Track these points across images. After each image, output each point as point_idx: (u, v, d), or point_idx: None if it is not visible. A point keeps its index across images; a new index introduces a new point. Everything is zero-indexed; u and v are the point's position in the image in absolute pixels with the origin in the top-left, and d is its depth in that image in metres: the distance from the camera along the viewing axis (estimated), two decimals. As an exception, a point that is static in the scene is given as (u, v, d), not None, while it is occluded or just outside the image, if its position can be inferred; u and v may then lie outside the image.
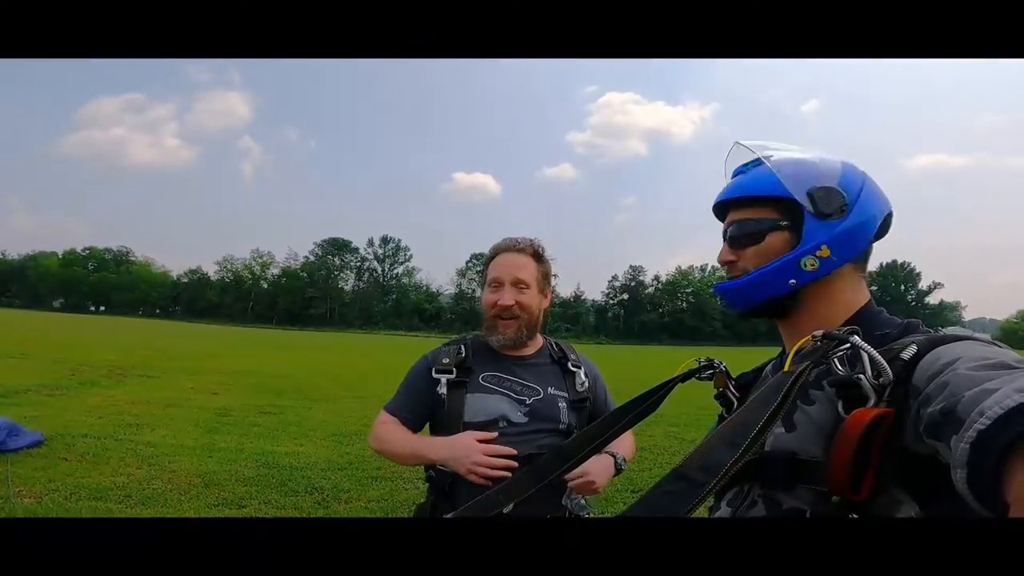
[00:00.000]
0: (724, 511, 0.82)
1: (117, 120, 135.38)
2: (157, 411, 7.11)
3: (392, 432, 1.54)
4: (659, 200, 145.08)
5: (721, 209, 0.90)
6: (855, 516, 0.63)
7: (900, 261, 71.92)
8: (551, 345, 1.64)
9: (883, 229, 0.83)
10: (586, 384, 1.59)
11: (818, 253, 0.79)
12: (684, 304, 77.89)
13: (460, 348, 1.55)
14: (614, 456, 1.52)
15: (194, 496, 4.02)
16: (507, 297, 1.50)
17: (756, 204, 0.84)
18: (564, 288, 79.36)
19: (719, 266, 0.90)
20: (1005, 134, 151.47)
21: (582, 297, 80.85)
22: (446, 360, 1.52)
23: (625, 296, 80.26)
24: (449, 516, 0.92)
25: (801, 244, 0.79)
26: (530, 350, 1.59)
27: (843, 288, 0.81)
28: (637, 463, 5.00)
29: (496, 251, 1.59)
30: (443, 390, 1.49)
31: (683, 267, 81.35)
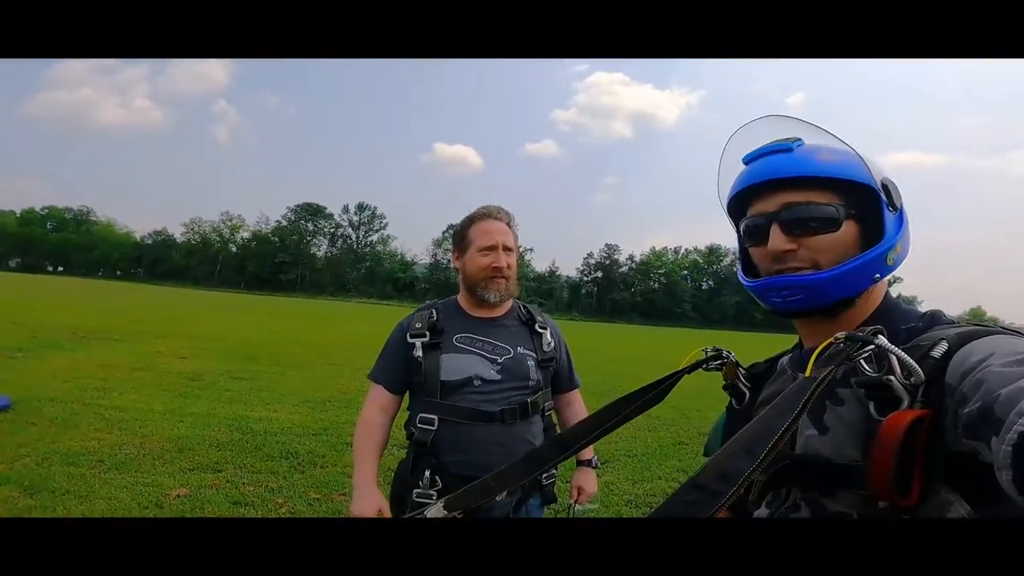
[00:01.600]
0: (763, 511, 0.79)
1: (85, 81, 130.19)
2: (124, 375, 6.99)
3: (363, 433, 1.67)
4: (639, 182, 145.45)
5: (759, 190, 0.78)
6: (907, 517, 0.61)
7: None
8: (519, 308, 1.77)
9: None
10: (552, 344, 1.73)
11: (896, 248, 0.75)
12: (656, 285, 79.24)
13: (432, 312, 1.69)
14: (589, 462, 1.80)
15: (168, 461, 4.03)
16: (502, 259, 1.64)
17: (819, 187, 0.74)
18: (539, 263, 79.71)
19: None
20: (981, 135, 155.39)
21: (557, 273, 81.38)
22: (419, 325, 1.65)
23: (599, 274, 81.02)
24: (442, 501, 0.91)
25: (886, 237, 0.74)
26: (501, 311, 1.72)
27: (881, 286, 0.77)
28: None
29: (479, 217, 1.70)
30: (419, 353, 1.62)
31: (657, 248, 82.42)
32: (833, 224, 0.73)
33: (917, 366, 0.61)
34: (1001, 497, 0.51)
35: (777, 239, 0.75)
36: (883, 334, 0.63)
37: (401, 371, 1.67)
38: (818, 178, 0.74)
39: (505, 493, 0.97)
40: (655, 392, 0.89)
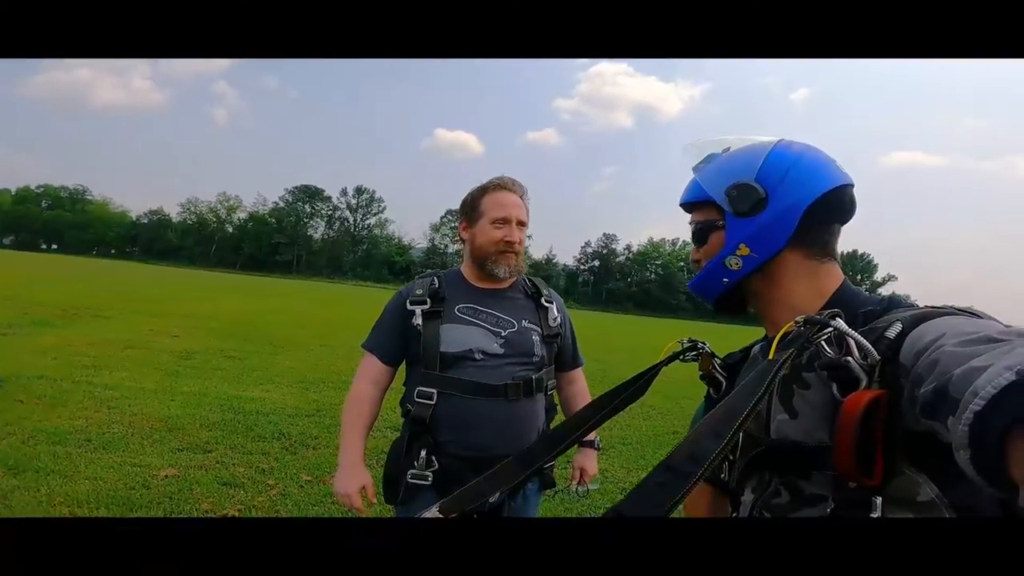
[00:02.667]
0: (748, 496, 0.82)
1: (83, 61, 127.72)
2: (115, 353, 6.90)
3: (352, 407, 1.60)
4: (639, 173, 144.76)
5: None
6: (878, 498, 0.63)
7: (860, 252, 75.03)
8: (525, 280, 1.69)
9: (833, 209, 0.80)
10: (558, 320, 1.66)
11: (738, 252, 0.81)
12: (653, 275, 79.17)
13: (434, 280, 1.60)
14: (591, 443, 1.75)
15: (156, 441, 3.96)
16: (515, 233, 1.58)
17: (701, 206, 0.87)
18: (537, 251, 79.41)
19: (689, 241, 0.92)
20: (984, 137, 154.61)
21: (554, 260, 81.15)
22: (419, 291, 1.56)
23: (596, 263, 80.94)
24: (436, 506, 0.89)
25: (725, 245, 0.82)
26: (506, 283, 1.64)
27: (793, 277, 0.81)
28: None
29: (494, 188, 1.61)
30: (418, 321, 1.53)
31: (655, 239, 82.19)
32: (702, 238, 0.86)
33: (871, 347, 0.64)
34: (966, 476, 0.52)
35: (692, 251, 0.90)
36: (841, 317, 0.67)
37: (398, 340, 1.59)
38: (693, 201, 0.88)
39: (499, 495, 0.95)
40: (637, 386, 0.94)
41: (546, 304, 1.65)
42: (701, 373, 0.96)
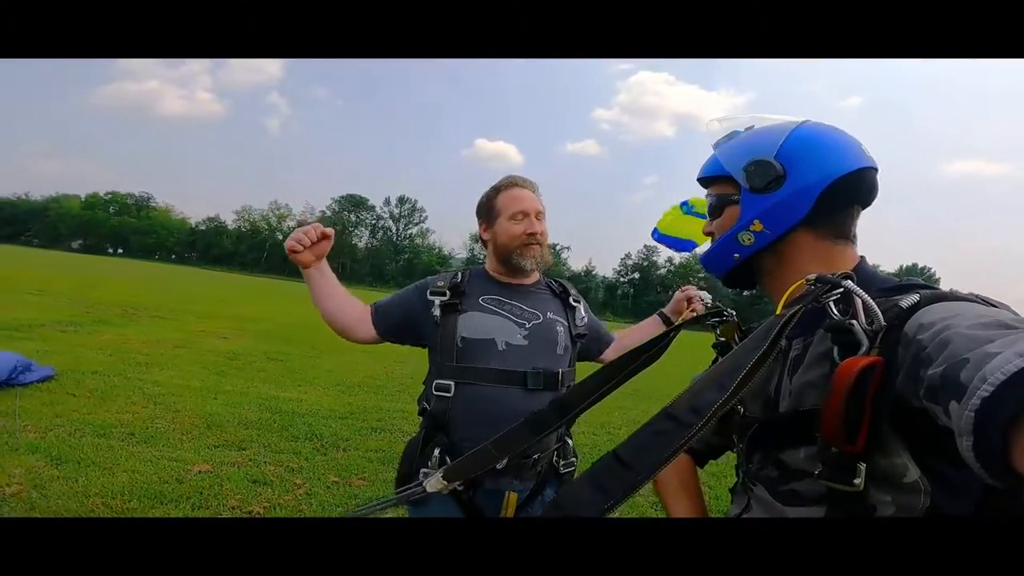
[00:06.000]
0: (748, 471, 0.83)
1: (152, 73, 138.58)
2: (167, 351, 7.20)
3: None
4: (681, 182, 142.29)
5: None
6: (862, 465, 0.62)
7: (920, 265, 70.78)
8: (552, 281, 1.69)
9: (853, 191, 0.79)
10: (586, 320, 1.65)
11: (752, 227, 0.81)
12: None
13: (457, 274, 1.59)
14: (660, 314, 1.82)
15: (195, 437, 4.06)
16: (536, 225, 1.57)
17: (719, 181, 0.87)
18: (576, 262, 79.10)
19: None
20: None
21: (593, 272, 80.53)
22: (440, 283, 1.55)
23: (636, 275, 79.75)
24: (441, 471, 0.89)
25: (739, 220, 0.82)
26: (531, 279, 1.63)
27: (804, 256, 0.80)
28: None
29: (506, 186, 1.62)
30: (436, 311, 1.51)
31: (698, 252, 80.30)
32: (717, 211, 0.87)
33: (878, 311, 0.63)
34: (951, 461, 0.52)
35: (706, 224, 0.91)
36: (852, 279, 0.66)
37: (399, 320, 1.58)
38: (712, 176, 0.88)
39: (506, 461, 0.98)
40: (654, 350, 0.92)
41: (574, 303, 1.64)
42: (716, 341, 0.96)
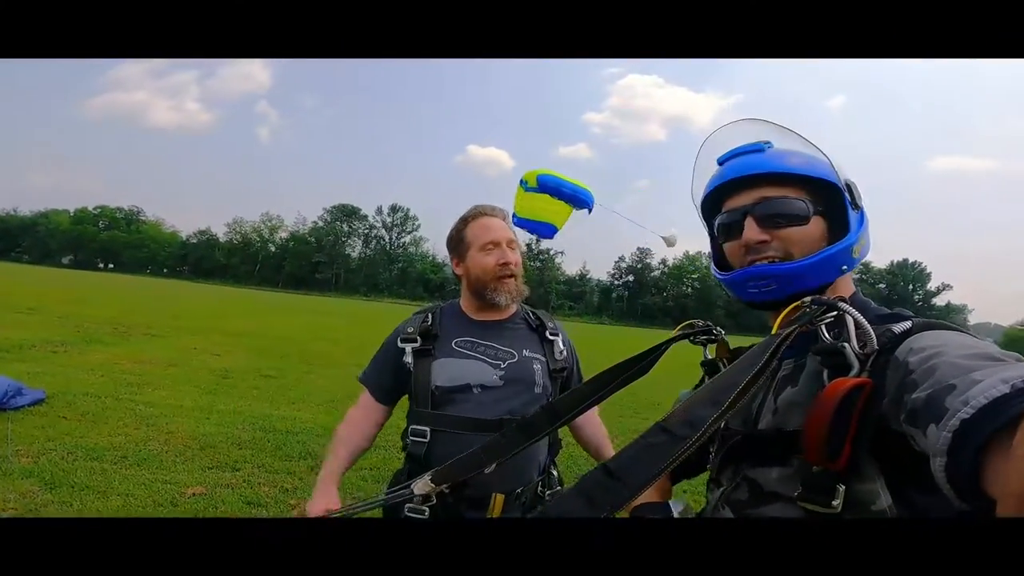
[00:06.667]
0: (715, 493, 0.83)
1: (140, 84, 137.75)
2: (159, 371, 7.17)
3: (340, 432, 1.58)
4: (673, 185, 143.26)
5: (734, 187, 0.82)
6: (842, 486, 0.62)
7: (911, 260, 71.54)
8: (527, 312, 1.64)
9: None
10: (564, 353, 1.59)
11: (860, 241, 0.80)
12: (689, 290, 77.70)
13: (427, 316, 1.56)
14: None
15: (188, 458, 4.06)
16: (509, 255, 1.53)
17: (789, 184, 0.79)
18: (570, 267, 79.25)
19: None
20: None
21: (587, 276, 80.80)
22: (410, 330, 1.53)
23: (631, 278, 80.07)
24: (429, 474, 0.93)
25: (851, 233, 0.78)
26: (506, 314, 1.60)
27: (842, 281, 0.81)
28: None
29: (474, 216, 1.59)
30: (409, 359, 1.50)
31: (691, 252, 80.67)
32: (803, 218, 0.78)
33: (873, 333, 0.64)
34: (923, 488, 0.52)
35: (751, 231, 0.79)
36: (846, 302, 0.68)
37: (388, 378, 1.56)
38: (788, 175, 0.78)
39: (495, 466, 0.96)
40: (644, 363, 0.92)
41: (551, 337, 1.60)
42: (704, 359, 0.94)
